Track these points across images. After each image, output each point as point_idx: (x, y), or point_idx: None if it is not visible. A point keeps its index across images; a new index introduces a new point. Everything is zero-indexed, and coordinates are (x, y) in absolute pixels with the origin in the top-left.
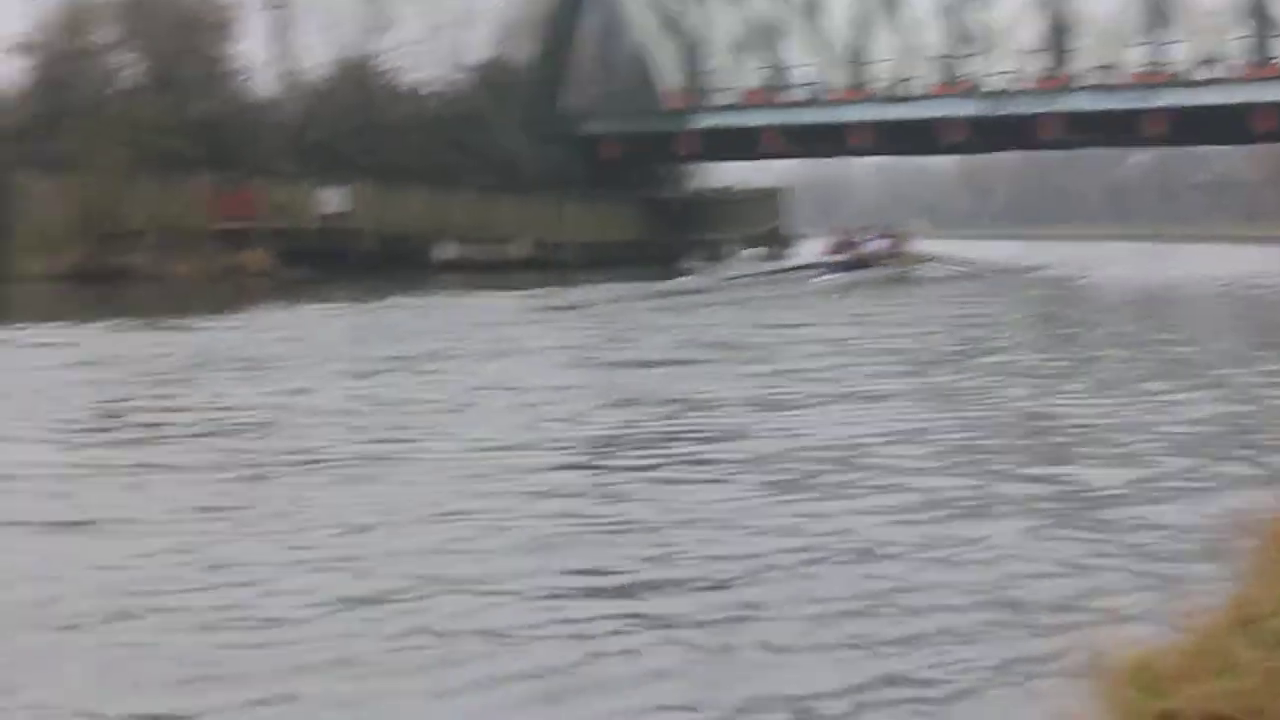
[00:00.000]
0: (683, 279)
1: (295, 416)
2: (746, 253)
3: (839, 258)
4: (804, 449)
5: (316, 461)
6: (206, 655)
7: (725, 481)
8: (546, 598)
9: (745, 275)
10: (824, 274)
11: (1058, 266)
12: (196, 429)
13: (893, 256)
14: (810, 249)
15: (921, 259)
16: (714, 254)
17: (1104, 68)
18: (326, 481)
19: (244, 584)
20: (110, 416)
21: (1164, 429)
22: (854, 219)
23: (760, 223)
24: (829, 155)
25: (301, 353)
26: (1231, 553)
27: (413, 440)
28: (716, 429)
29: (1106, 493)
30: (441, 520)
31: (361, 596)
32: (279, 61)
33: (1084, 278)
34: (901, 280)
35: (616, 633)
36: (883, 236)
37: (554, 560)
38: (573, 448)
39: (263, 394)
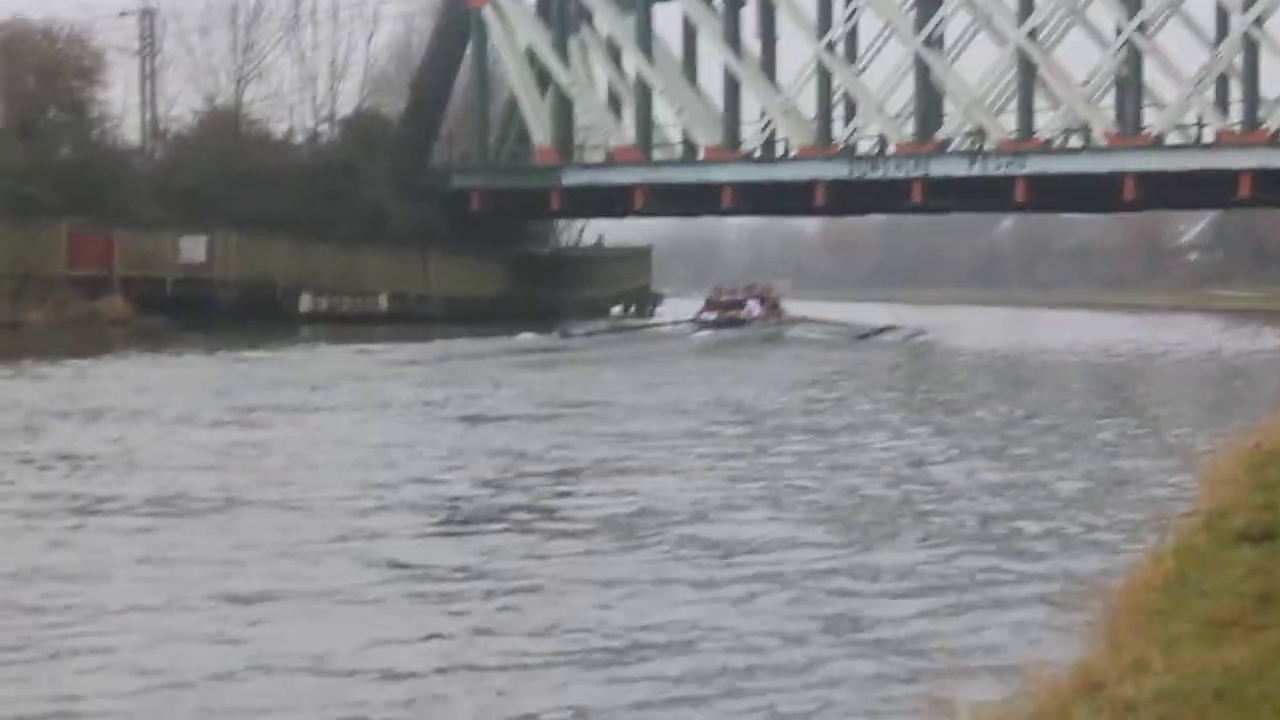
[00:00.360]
0: (545, 335)
1: (126, 469)
2: (614, 310)
3: (716, 315)
4: (653, 511)
5: (143, 513)
6: None
7: (569, 542)
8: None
9: (612, 332)
10: (701, 330)
11: (923, 330)
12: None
13: (767, 316)
14: (677, 307)
15: (794, 319)
16: (581, 311)
17: (974, 133)
18: (153, 535)
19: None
20: None
21: (1019, 492)
22: (722, 279)
23: (628, 281)
24: (698, 214)
25: (142, 403)
26: (1080, 619)
27: (251, 497)
28: (563, 490)
29: (956, 556)
30: (271, 582)
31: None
32: (146, 108)
33: (947, 341)
34: (774, 339)
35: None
36: (758, 297)
37: (389, 624)
38: (415, 507)
39: (96, 445)
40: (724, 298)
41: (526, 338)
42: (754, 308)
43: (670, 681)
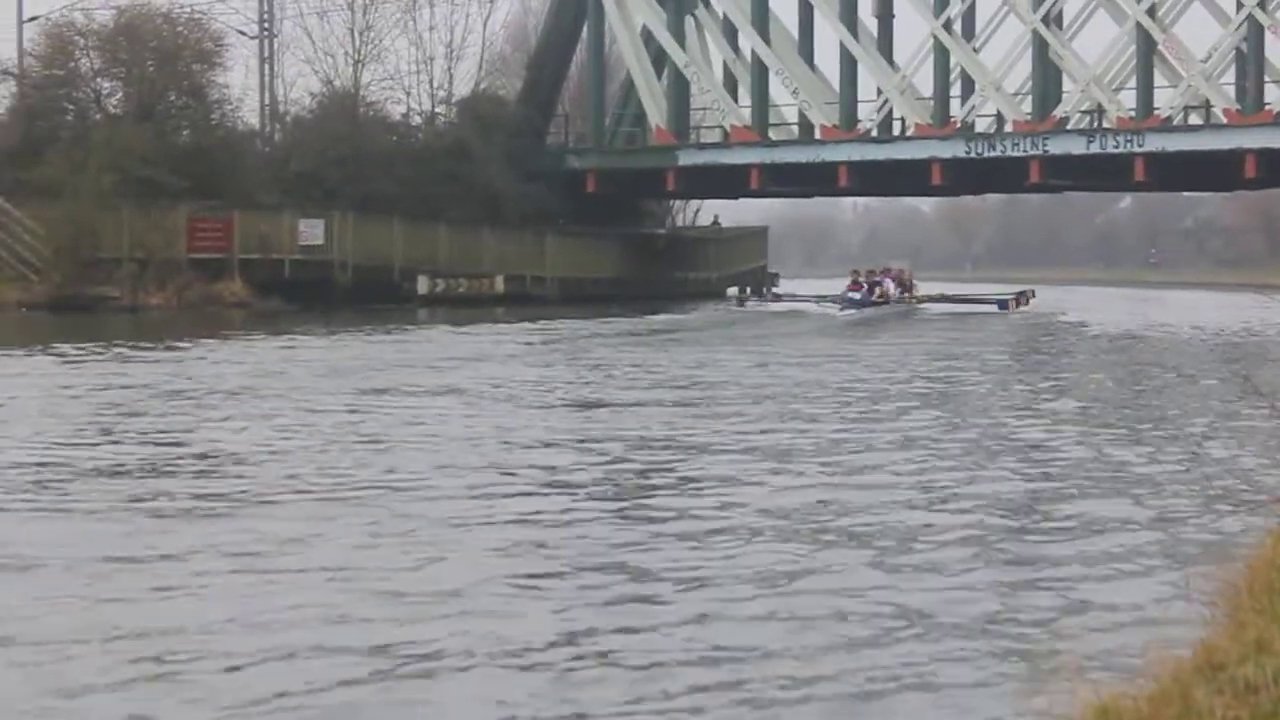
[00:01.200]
0: (667, 316)
1: (242, 453)
2: (730, 291)
3: (860, 295)
4: (783, 498)
5: (275, 501)
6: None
7: (702, 532)
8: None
9: (739, 311)
10: (848, 309)
11: (1047, 309)
12: (134, 465)
13: (903, 295)
14: (793, 289)
15: (928, 297)
16: (697, 292)
17: (1092, 111)
18: (287, 522)
19: (172, 630)
20: (53, 449)
21: (1141, 468)
22: (837, 260)
23: (744, 261)
24: (815, 194)
25: (261, 385)
26: (1203, 600)
27: (378, 482)
28: (694, 475)
29: (1079, 537)
30: (402, 569)
31: (310, 648)
32: (264, 91)
33: (1073, 320)
34: (909, 316)
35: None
36: (893, 278)
37: (518, 613)
38: (541, 490)
39: (216, 428)
40: (866, 277)
41: (644, 320)
42: (890, 287)
43: (790, 647)
